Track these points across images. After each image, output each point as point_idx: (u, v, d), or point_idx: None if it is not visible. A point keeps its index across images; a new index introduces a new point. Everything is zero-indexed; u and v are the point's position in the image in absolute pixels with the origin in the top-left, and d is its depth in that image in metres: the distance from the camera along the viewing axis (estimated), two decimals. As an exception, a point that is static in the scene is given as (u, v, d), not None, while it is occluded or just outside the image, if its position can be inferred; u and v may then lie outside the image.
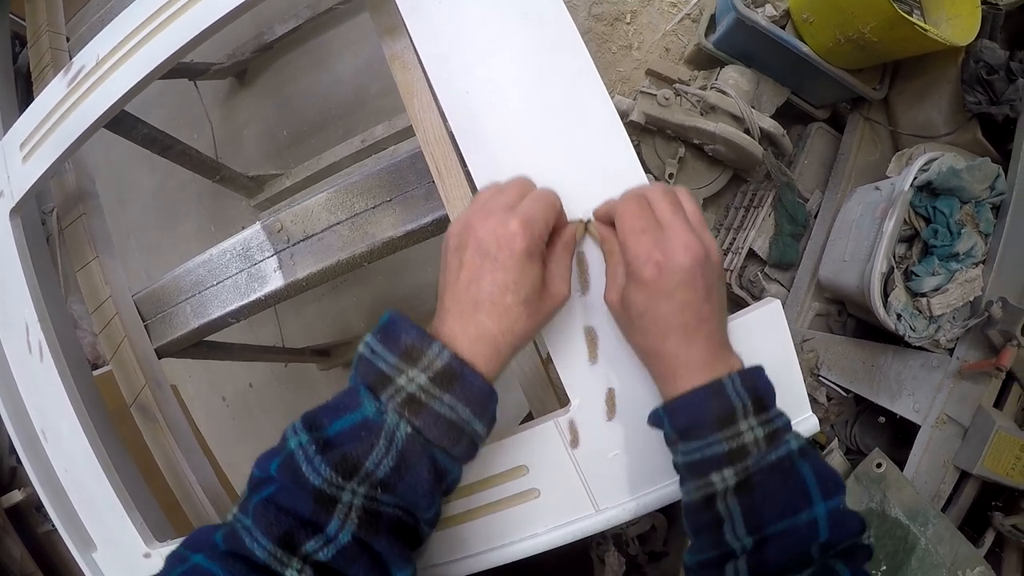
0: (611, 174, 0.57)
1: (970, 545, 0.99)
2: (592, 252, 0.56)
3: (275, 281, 0.95)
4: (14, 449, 0.91)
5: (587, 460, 0.58)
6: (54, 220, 1.04)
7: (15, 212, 0.81)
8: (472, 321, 0.46)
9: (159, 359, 1.00)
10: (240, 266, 0.98)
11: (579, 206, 0.56)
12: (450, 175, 0.66)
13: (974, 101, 1.23)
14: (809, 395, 1.41)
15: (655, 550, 1.43)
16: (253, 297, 0.96)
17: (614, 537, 1.40)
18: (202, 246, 0.97)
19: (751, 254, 1.57)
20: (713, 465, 0.44)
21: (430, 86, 0.63)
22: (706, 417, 0.44)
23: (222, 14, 0.68)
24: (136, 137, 1.30)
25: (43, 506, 0.80)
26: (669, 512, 1.44)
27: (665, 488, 0.57)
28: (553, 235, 0.51)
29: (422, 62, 0.62)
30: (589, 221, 0.55)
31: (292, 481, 0.42)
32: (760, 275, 1.58)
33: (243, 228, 0.97)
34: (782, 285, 1.57)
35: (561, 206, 0.52)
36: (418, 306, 1.80)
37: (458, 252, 0.48)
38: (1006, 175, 1.15)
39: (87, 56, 0.76)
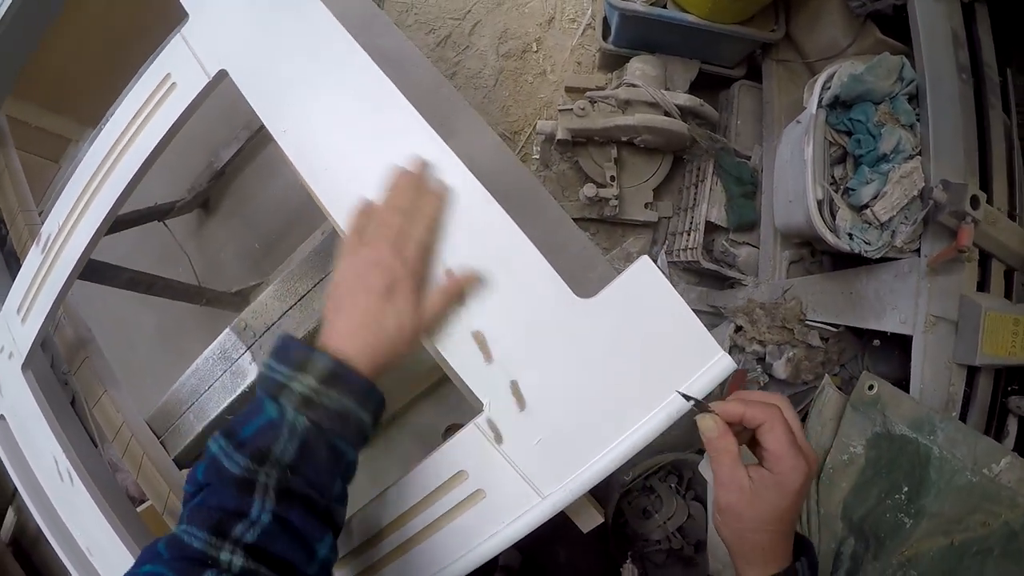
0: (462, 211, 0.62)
1: (989, 439, 0.96)
2: (458, 264, 0.60)
3: (253, 372, 1.06)
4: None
5: (516, 452, 0.60)
6: (73, 379, 1.15)
7: (25, 367, 0.93)
8: (353, 337, 0.55)
9: (180, 468, 1.08)
10: (223, 367, 1.09)
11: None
12: None
13: (858, 4, 1.26)
14: (803, 341, 1.41)
15: (700, 539, 1.41)
16: (239, 391, 1.06)
17: (650, 542, 1.39)
18: None
19: (713, 227, 1.59)
20: None
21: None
22: None
23: (140, 163, 0.78)
24: (120, 282, 1.41)
25: None
26: (706, 500, 1.42)
27: (600, 461, 0.58)
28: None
29: (287, 155, 0.69)
30: (715, 413, 0.57)
31: (216, 477, 0.50)
32: (727, 243, 1.59)
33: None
34: (751, 245, 1.58)
35: (440, 216, 0.59)
36: (411, 369, 1.82)
37: (341, 275, 0.58)
38: (913, 64, 1.15)
39: (51, 225, 0.88)
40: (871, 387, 1.04)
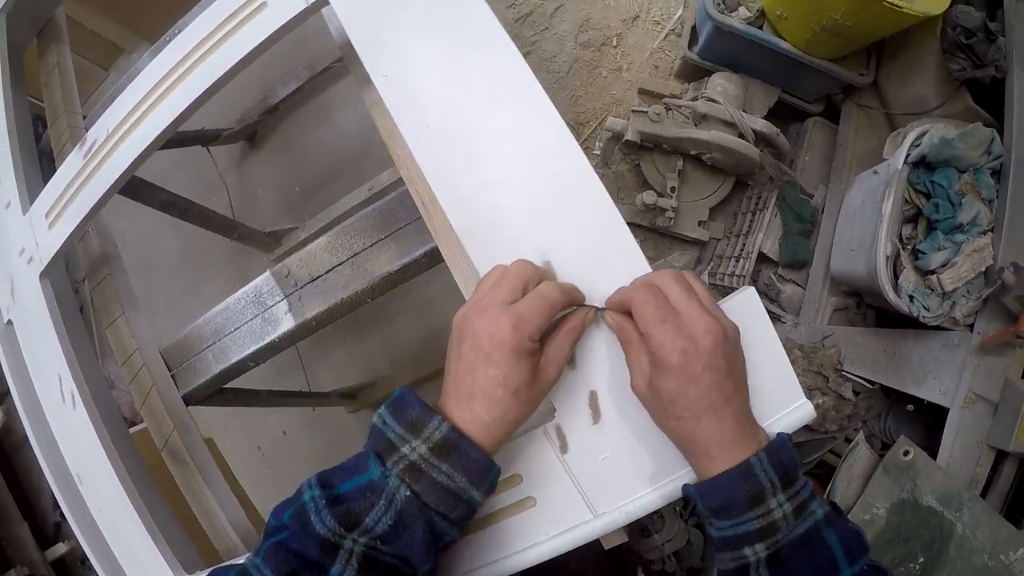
0: (562, 187, 0.60)
1: (1011, 527, 0.95)
2: (559, 256, 0.58)
3: (287, 323, 0.99)
4: (57, 505, 0.95)
5: (579, 465, 0.58)
6: (86, 288, 1.11)
7: (44, 275, 0.88)
8: (467, 408, 0.50)
9: (187, 406, 1.05)
10: (254, 312, 1.03)
11: (532, 233, 0.59)
12: (435, 209, 0.69)
13: (958, 68, 1.22)
14: (836, 391, 1.39)
15: (693, 566, 1.40)
16: (268, 340, 1.01)
17: (644, 562, 1.38)
18: None
19: (763, 257, 1.56)
20: (745, 540, 0.47)
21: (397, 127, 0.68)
22: (737, 499, 0.47)
23: (210, 83, 0.73)
24: (155, 203, 1.37)
25: (87, 558, 0.84)
26: (705, 528, 1.42)
27: (661, 489, 0.57)
28: (561, 320, 0.54)
29: (386, 106, 0.66)
30: (602, 309, 0.56)
31: (302, 529, 0.46)
32: (774, 277, 1.57)
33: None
34: (797, 284, 1.56)
35: (562, 300, 0.54)
36: (436, 345, 1.84)
37: (458, 344, 0.52)
38: (1001, 138, 1.13)
39: (99, 131, 0.83)
40: (907, 453, 1.03)
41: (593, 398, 0.58)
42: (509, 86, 0.62)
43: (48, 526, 1.54)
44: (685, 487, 0.52)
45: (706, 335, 0.48)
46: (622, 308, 0.54)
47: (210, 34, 0.74)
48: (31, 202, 0.91)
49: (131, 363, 1.05)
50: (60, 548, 1.48)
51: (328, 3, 0.68)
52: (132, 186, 1.34)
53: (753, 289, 0.57)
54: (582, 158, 0.60)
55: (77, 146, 0.85)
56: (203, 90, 0.74)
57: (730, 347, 0.50)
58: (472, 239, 0.62)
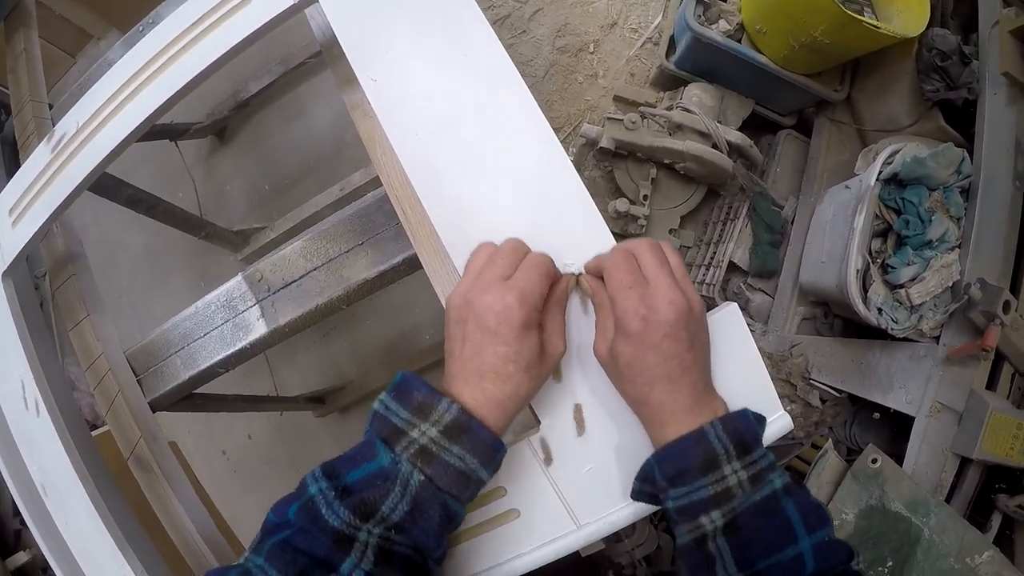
0: (553, 199, 0.60)
1: (976, 531, 0.99)
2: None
3: (259, 329, 0.96)
4: (18, 512, 0.91)
5: (563, 477, 0.58)
6: (47, 284, 1.07)
7: (7, 275, 0.84)
8: (479, 387, 0.49)
9: (153, 412, 1.01)
10: (225, 316, 0.99)
11: (520, 230, 0.59)
12: (415, 215, 0.68)
13: (932, 89, 1.27)
14: (803, 398, 1.42)
15: (663, 570, 1.42)
16: (239, 346, 0.97)
17: (615, 565, 1.39)
18: (192, 302, 1.00)
19: (733, 266, 1.59)
20: (700, 508, 0.47)
21: (383, 131, 0.67)
22: (691, 464, 0.47)
23: (190, 77, 0.70)
24: (120, 199, 1.33)
25: (49, 568, 0.81)
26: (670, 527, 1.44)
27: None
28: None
29: (372, 109, 0.65)
30: (580, 274, 0.57)
31: (312, 523, 0.45)
32: (743, 286, 1.60)
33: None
34: (766, 293, 1.59)
35: (554, 269, 0.54)
36: (406, 348, 1.82)
37: (460, 325, 0.51)
38: (971, 158, 1.18)
39: (68, 123, 0.79)
40: (875, 460, 1.07)
41: (578, 411, 0.58)
42: (501, 96, 0.62)
43: (8, 534, 1.48)
44: (644, 464, 0.52)
45: (670, 306, 0.48)
46: (598, 272, 0.54)
47: (191, 27, 0.71)
48: (-8, 195, 0.86)
49: (96, 367, 1.00)
50: (21, 557, 1.42)
51: (316, 1, 0.67)
52: (98, 182, 1.29)
53: (735, 305, 0.58)
54: (573, 173, 0.60)
55: (44, 140, 0.82)
56: (182, 85, 0.71)
57: (694, 321, 0.50)
58: (456, 245, 0.62)
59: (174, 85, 0.71)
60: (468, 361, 0.50)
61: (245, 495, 1.85)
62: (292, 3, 0.67)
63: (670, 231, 1.68)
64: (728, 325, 0.57)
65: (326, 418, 1.82)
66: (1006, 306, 1.05)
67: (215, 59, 0.69)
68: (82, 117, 0.78)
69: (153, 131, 1.61)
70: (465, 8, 0.64)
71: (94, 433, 0.95)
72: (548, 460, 0.58)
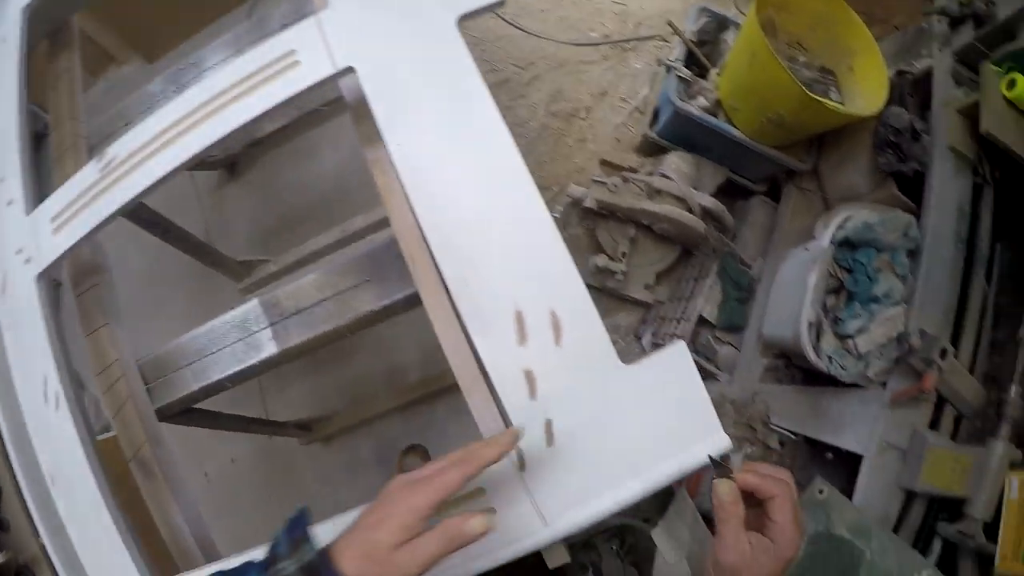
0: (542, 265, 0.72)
1: (915, 552, 1.07)
2: (530, 309, 0.70)
3: (269, 348, 1.05)
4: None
5: (534, 481, 0.67)
6: (62, 292, 1.13)
7: (41, 277, 0.91)
8: (352, 548, 0.56)
9: (159, 420, 1.07)
10: (238, 335, 1.07)
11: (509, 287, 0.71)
12: (420, 261, 0.78)
13: (885, 162, 1.41)
14: (763, 441, 1.52)
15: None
16: (249, 363, 1.06)
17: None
18: (186, 328, 1.08)
19: (703, 320, 1.71)
20: None
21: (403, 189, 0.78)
22: None
23: (234, 127, 0.81)
24: (139, 220, 1.41)
25: (25, 570, 0.86)
26: (641, 568, 1.49)
27: (604, 502, 0.67)
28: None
29: (396, 170, 0.76)
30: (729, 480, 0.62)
31: None
32: (711, 339, 1.72)
33: (238, 305, 1.07)
34: (733, 346, 1.71)
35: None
36: (393, 383, 1.91)
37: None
38: (918, 221, 1.31)
39: (119, 148, 0.88)
40: (821, 491, 1.15)
41: (548, 425, 0.68)
42: (502, 167, 0.74)
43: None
44: None
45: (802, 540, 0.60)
46: (748, 489, 0.61)
47: (241, 81, 0.82)
48: (35, 204, 0.94)
49: (108, 373, 1.05)
50: (-3, 558, 1.42)
51: (353, 72, 0.78)
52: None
53: (683, 342, 0.69)
54: (557, 234, 0.71)
55: (95, 159, 0.90)
56: (227, 131, 0.82)
57: None
58: (454, 284, 0.73)
59: (218, 132, 0.82)
60: (360, 530, 0.57)
61: (222, 517, 1.87)
62: (333, 72, 0.79)
63: (645, 286, 1.80)
64: (675, 358, 0.68)
65: (309, 447, 1.87)
66: (943, 353, 1.15)
67: (261, 111, 0.81)
68: (133, 144, 0.87)
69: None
70: (474, 88, 0.76)
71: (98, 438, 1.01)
72: (522, 466, 0.68)
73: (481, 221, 0.73)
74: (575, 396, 0.68)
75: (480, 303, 0.71)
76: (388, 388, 1.84)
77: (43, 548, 0.89)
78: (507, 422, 0.69)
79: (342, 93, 0.88)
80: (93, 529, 0.84)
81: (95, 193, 0.89)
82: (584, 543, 1.53)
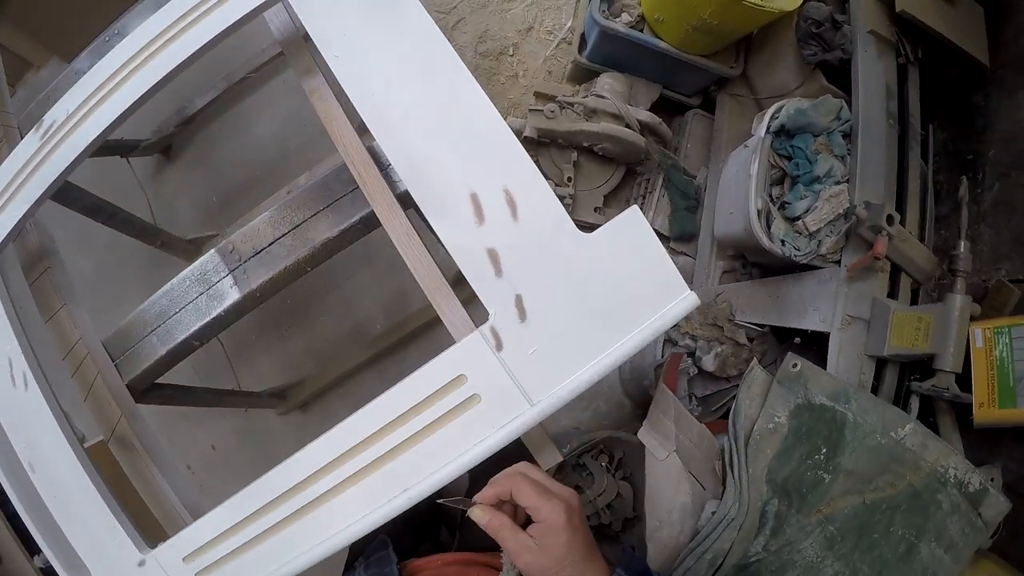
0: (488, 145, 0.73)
1: (895, 408, 1.11)
2: (483, 190, 0.71)
3: (232, 295, 1.04)
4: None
5: (513, 360, 0.69)
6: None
7: None
8: None
9: (135, 400, 1.07)
10: (199, 290, 1.07)
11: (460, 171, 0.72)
12: (369, 177, 0.81)
13: (810, 53, 1.46)
14: (732, 338, 1.57)
15: (627, 516, 1.50)
16: (213, 315, 1.05)
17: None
18: None
19: (656, 233, 1.74)
20: None
21: (343, 108, 0.79)
22: None
23: (167, 71, 0.82)
24: (80, 207, 1.38)
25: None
26: (634, 479, 1.54)
27: (584, 374, 0.68)
28: None
29: (337, 79, 0.76)
30: (477, 505, 0.68)
31: None
32: (667, 251, 1.75)
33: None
34: (688, 256, 1.76)
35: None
36: (361, 338, 1.92)
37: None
38: (850, 106, 1.35)
39: (58, 112, 0.88)
40: (795, 365, 1.18)
41: (519, 300, 0.69)
42: (436, 56, 0.75)
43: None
44: None
45: (570, 498, 0.65)
46: (496, 501, 0.67)
47: (170, 26, 0.82)
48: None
49: (74, 354, 1.05)
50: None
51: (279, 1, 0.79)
52: (61, 191, 1.33)
53: (636, 207, 0.70)
54: (497, 114, 0.72)
55: (34, 128, 0.90)
56: (158, 79, 0.83)
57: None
58: (410, 175, 0.73)
59: (150, 80, 0.83)
60: None
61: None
62: (260, 2, 0.79)
63: (595, 209, 1.83)
64: (632, 225, 0.70)
65: (287, 417, 1.87)
66: (890, 219, 1.19)
67: (193, 51, 0.81)
68: (71, 104, 0.87)
69: (105, 147, 1.66)
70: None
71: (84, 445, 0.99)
72: (499, 346, 0.69)
73: (425, 113, 0.74)
74: (540, 268, 0.69)
75: (435, 191, 0.72)
76: (355, 344, 1.84)
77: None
78: (475, 320, 0.71)
79: (272, 32, 0.88)
80: (80, 508, 0.83)
81: (38, 161, 0.88)
82: (574, 464, 1.58)
